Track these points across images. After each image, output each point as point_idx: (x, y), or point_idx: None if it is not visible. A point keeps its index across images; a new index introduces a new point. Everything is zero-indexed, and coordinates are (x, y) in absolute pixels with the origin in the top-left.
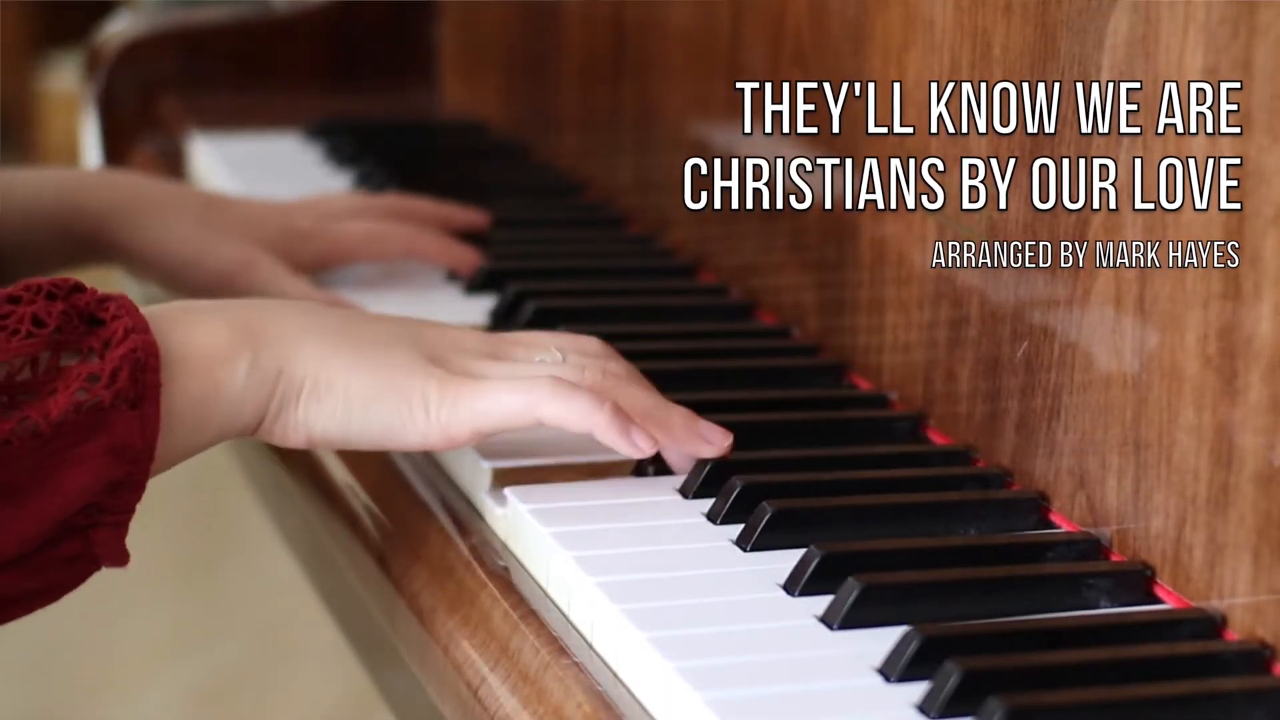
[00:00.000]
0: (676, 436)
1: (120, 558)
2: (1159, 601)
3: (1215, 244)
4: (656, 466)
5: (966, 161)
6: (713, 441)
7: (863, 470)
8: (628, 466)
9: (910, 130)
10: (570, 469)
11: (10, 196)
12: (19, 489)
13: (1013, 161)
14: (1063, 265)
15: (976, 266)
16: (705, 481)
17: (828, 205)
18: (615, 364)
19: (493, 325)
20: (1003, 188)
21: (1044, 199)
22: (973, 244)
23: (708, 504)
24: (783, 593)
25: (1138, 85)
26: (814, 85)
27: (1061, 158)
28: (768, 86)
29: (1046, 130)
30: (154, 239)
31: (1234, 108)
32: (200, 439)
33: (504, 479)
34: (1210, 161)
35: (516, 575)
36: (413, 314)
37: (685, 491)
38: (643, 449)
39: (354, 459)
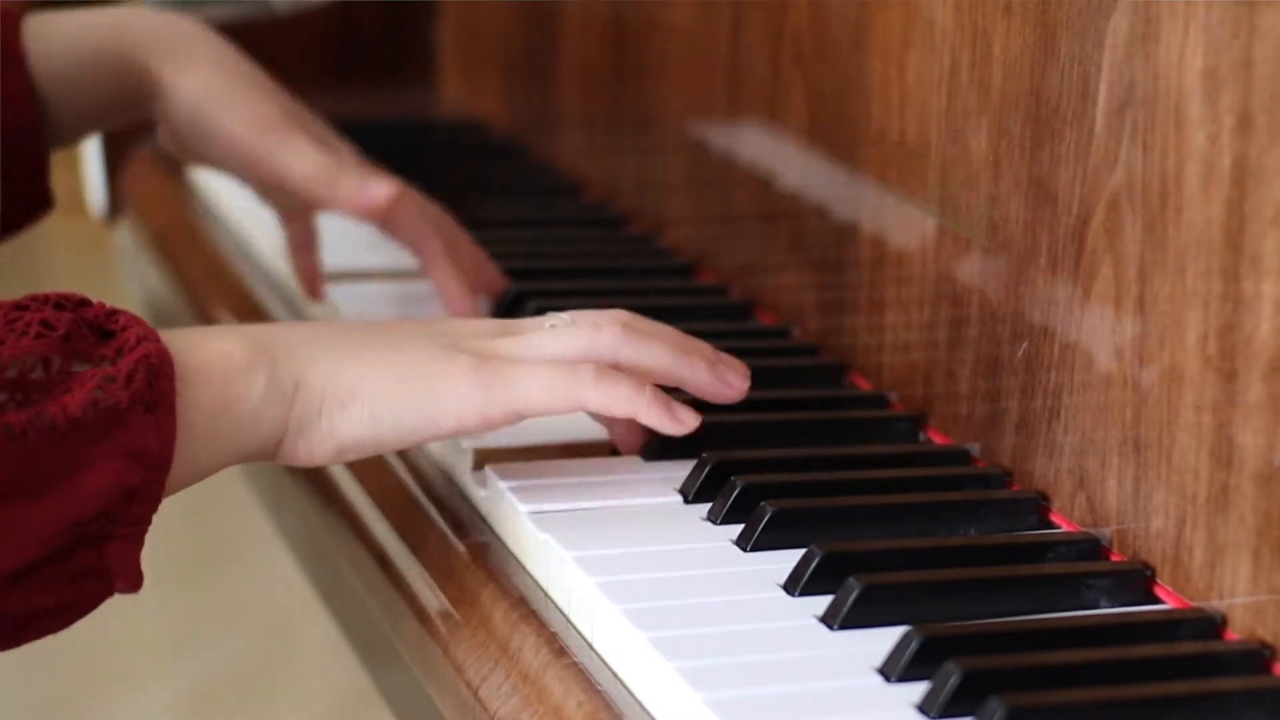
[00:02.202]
0: (699, 388)
1: (134, 579)
2: (1159, 601)
3: (1215, 244)
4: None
5: (966, 162)
6: (734, 387)
7: (862, 470)
8: (605, 447)
9: (910, 130)
10: (550, 449)
11: (59, 34)
12: (36, 486)
13: (1013, 161)
14: (1063, 265)
15: (976, 266)
16: (705, 481)
17: (828, 205)
18: (621, 349)
19: None
20: (1003, 188)
21: (1044, 199)
22: (973, 244)
23: (708, 504)
24: (783, 593)
25: (1138, 85)
26: (814, 85)
27: (1061, 158)
28: (768, 87)
29: (1046, 130)
30: (189, 85)
31: (1234, 108)
32: (216, 456)
33: (505, 479)
34: (1210, 161)
35: (516, 575)
36: (412, 313)
37: (685, 491)
38: (688, 424)
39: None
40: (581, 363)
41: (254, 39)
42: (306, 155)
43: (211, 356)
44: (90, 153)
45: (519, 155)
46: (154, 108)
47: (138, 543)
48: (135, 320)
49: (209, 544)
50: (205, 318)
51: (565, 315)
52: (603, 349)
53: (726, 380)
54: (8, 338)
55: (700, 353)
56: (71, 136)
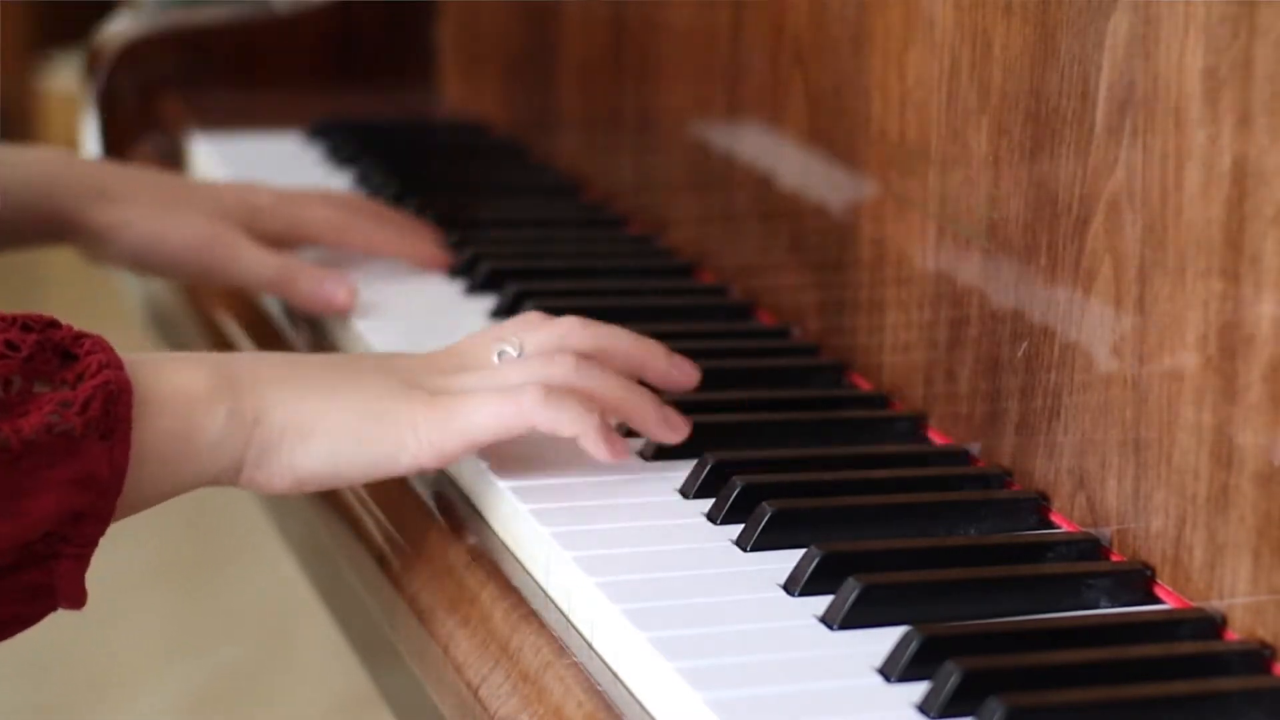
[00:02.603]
0: (645, 426)
1: (78, 597)
2: (1159, 601)
3: (1215, 244)
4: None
5: (966, 162)
6: (676, 430)
7: (863, 470)
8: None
9: (910, 130)
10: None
11: None
12: None
13: (1013, 161)
14: (1063, 265)
15: (976, 266)
16: (705, 481)
17: (828, 205)
18: (579, 337)
19: None
20: (1003, 188)
21: (1044, 199)
22: (973, 244)
23: (708, 504)
24: (783, 593)
25: (1138, 85)
26: (814, 85)
27: (1061, 158)
28: (768, 87)
29: (1046, 130)
30: (118, 218)
31: (1234, 108)
32: (173, 482)
33: (506, 479)
34: (1210, 161)
35: (516, 575)
36: (413, 313)
37: (685, 491)
38: (622, 456)
39: None
40: (530, 385)
41: (254, 39)
42: (256, 263)
43: (174, 385)
44: (90, 153)
45: (519, 155)
46: (84, 245)
47: (84, 562)
48: (101, 345)
49: (209, 544)
50: (206, 320)
51: (514, 340)
52: (554, 382)
53: (670, 423)
54: None
55: (648, 398)
56: None
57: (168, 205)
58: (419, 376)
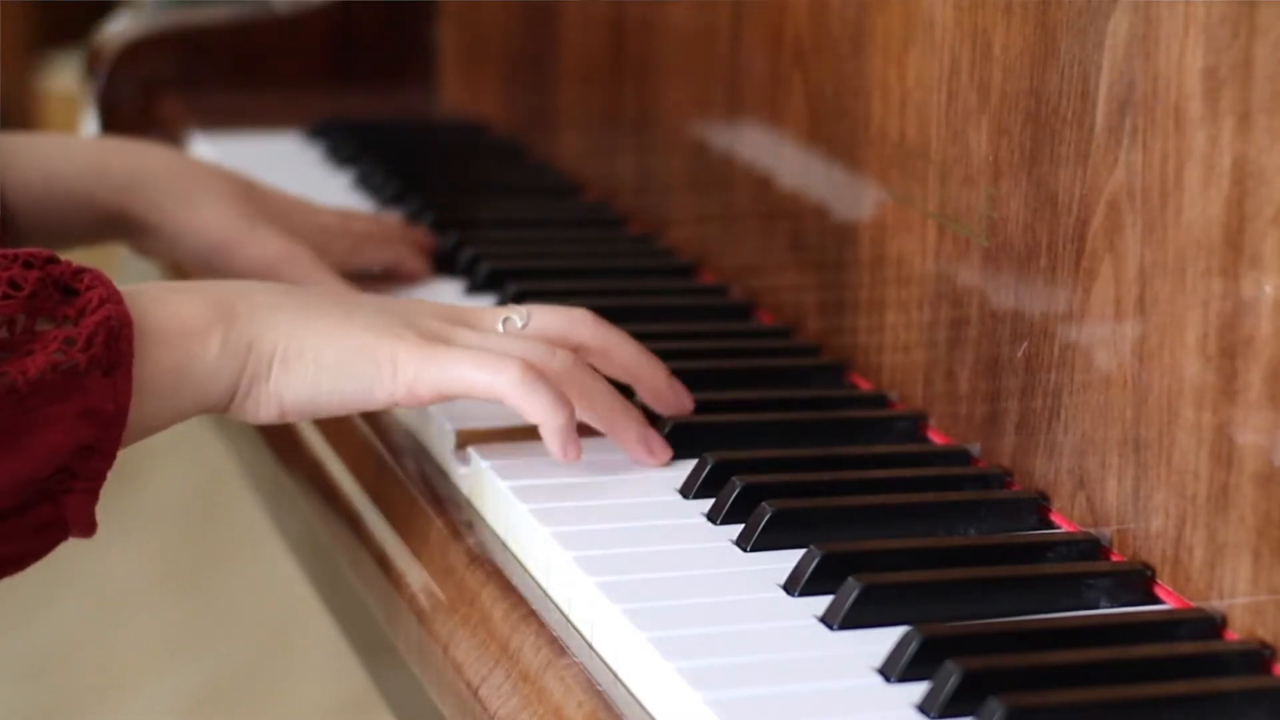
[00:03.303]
0: (626, 443)
1: (88, 526)
2: (1159, 601)
3: (1215, 244)
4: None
5: (966, 162)
6: (655, 454)
7: (863, 470)
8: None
9: (910, 130)
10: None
11: (34, 159)
12: None
13: (1013, 161)
14: (1063, 265)
15: (976, 266)
16: (705, 481)
17: (828, 205)
18: (589, 330)
19: None
20: (1003, 188)
21: (1044, 199)
22: (973, 244)
23: (708, 504)
24: (783, 593)
25: (1138, 85)
26: (814, 85)
27: (1061, 158)
28: (768, 87)
29: (1046, 130)
30: (187, 216)
31: (1234, 108)
32: (172, 411)
33: (506, 479)
34: (1210, 161)
35: (516, 575)
36: None
37: (685, 491)
38: (571, 459)
39: (354, 458)
40: (515, 357)
41: (254, 39)
42: (265, 242)
43: (170, 315)
44: None
45: (519, 155)
46: (139, 242)
47: (93, 495)
48: (100, 279)
49: (209, 544)
50: None
51: (523, 310)
52: (549, 372)
53: (650, 448)
54: None
55: (633, 416)
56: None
57: (246, 214)
58: (417, 318)
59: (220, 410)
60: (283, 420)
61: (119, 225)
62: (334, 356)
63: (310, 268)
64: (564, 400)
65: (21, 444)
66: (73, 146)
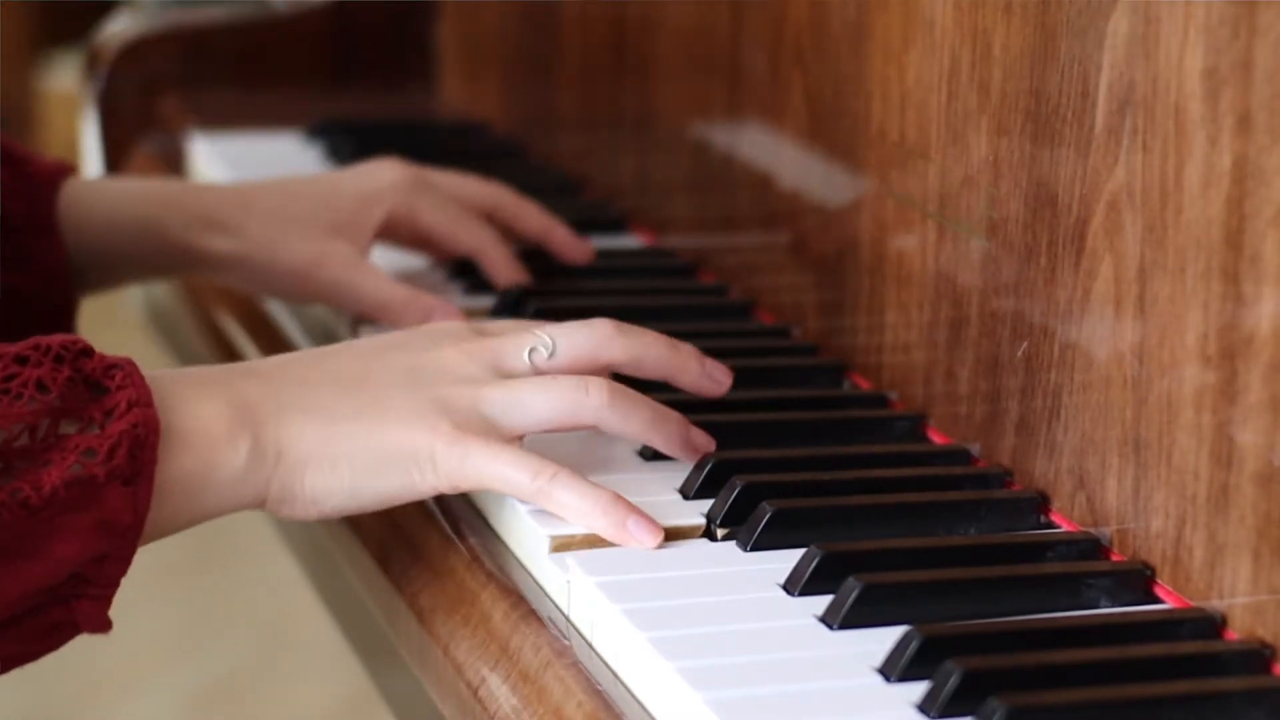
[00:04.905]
0: (670, 450)
1: (101, 626)
2: (1159, 601)
3: (1215, 244)
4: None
5: (966, 162)
6: (699, 450)
7: (863, 470)
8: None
9: (910, 130)
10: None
11: (97, 204)
12: (7, 554)
13: (1013, 162)
14: (1063, 265)
15: (976, 266)
16: (705, 481)
17: (828, 205)
18: (617, 346)
19: None
20: (1003, 188)
21: (1044, 199)
22: (973, 244)
23: (708, 504)
24: (783, 593)
25: (1138, 85)
26: (814, 85)
27: (1061, 158)
28: (768, 87)
29: (1046, 130)
30: (228, 246)
31: (1234, 108)
32: (192, 515)
33: None
34: (1210, 161)
35: (516, 575)
36: None
37: (685, 491)
38: (643, 544)
39: None
40: (552, 466)
41: (254, 39)
42: (374, 290)
43: (196, 421)
44: (90, 152)
45: (519, 155)
46: (202, 274)
47: (107, 601)
48: (131, 378)
49: (209, 544)
50: (206, 320)
51: (546, 338)
52: (586, 416)
53: (696, 443)
54: (0, 400)
55: (674, 419)
56: (105, 289)
57: (272, 225)
58: (446, 391)
59: (247, 509)
60: (322, 519)
61: (177, 263)
62: (369, 461)
63: (341, 268)
64: (601, 492)
65: (33, 554)
66: (129, 192)
